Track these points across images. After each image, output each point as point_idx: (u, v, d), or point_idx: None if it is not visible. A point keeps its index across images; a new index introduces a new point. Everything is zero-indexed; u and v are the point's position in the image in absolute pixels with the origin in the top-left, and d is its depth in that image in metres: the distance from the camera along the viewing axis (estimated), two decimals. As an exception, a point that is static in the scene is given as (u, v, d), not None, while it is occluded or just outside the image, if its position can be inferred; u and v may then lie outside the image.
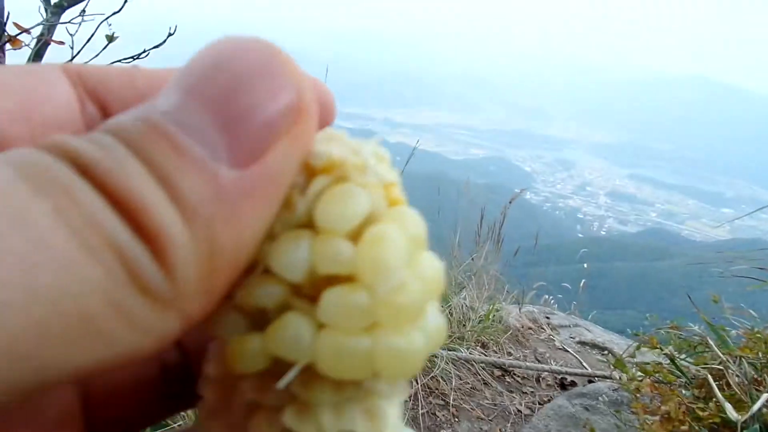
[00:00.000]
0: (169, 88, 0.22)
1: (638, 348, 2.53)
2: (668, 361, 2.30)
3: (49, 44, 2.16)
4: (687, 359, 2.36)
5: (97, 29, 2.21)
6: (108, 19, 2.26)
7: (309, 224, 0.24)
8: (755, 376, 1.92)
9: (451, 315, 3.35)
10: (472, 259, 4.12)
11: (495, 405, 2.86)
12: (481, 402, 2.86)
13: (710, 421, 1.75)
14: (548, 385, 3.12)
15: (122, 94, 0.29)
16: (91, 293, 0.17)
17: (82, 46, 2.19)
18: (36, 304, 0.16)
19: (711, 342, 2.22)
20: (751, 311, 2.51)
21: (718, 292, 2.48)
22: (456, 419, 2.72)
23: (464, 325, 3.38)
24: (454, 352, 3.05)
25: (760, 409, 1.65)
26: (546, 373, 3.18)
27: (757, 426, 1.62)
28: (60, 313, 0.16)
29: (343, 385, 0.25)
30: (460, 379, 2.97)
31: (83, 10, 2.24)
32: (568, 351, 3.51)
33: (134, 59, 2.27)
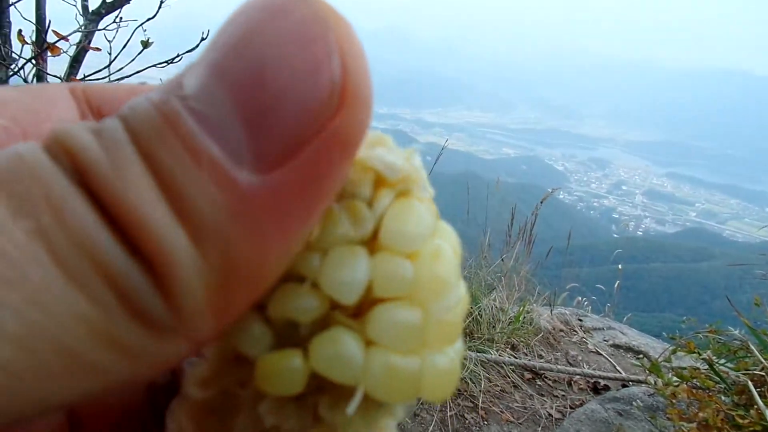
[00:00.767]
0: (198, 62, 0.18)
1: (675, 352, 2.46)
2: (706, 366, 2.23)
3: (87, 50, 2.24)
4: (726, 364, 2.28)
5: (132, 35, 2.27)
6: (143, 25, 2.32)
7: (366, 240, 0.22)
8: (799, 384, 1.85)
9: (481, 316, 3.32)
10: (502, 259, 4.07)
11: (525, 408, 2.82)
12: (510, 405, 2.83)
13: (750, 429, 1.69)
14: (580, 388, 3.06)
15: None
16: (75, 328, 0.15)
17: (118, 51, 2.26)
18: (4, 343, 0.14)
19: (752, 347, 2.14)
20: (795, 315, 2.41)
21: (760, 295, 2.39)
22: (485, 422, 2.69)
23: (494, 326, 3.34)
24: (484, 354, 3.02)
25: (804, 418, 1.58)
26: (578, 376, 3.12)
27: (800, 436, 1.55)
28: (33, 352, 0.14)
29: (370, 406, 0.23)
30: (490, 381, 2.94)
31: (120, 17, 2.31)
32: (601, 354, 3.44)
33: (168, 63, 2.33)
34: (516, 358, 3.17)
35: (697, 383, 2.13)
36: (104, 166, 0.16)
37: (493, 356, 3.04)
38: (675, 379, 2.23)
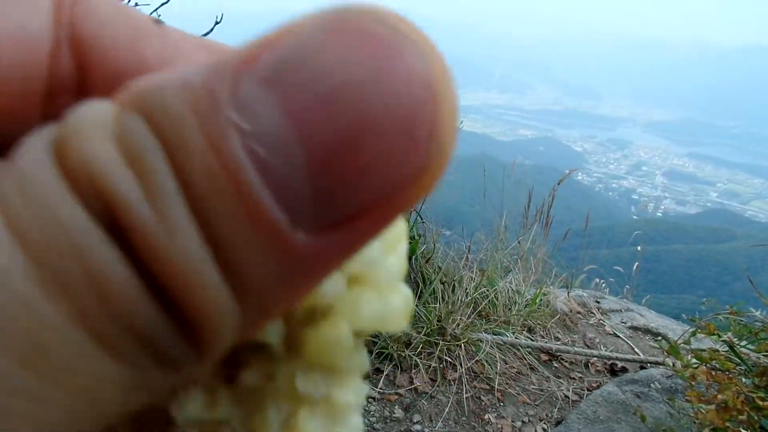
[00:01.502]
0: (262, 75, 0.15)
1: (695, 334, 2.43)
2: (726, 348, 2.20)
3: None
4: (747, 346, 2.25)
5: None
6: (157, 10, 2.32)
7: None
8: (823, 366, 1.81)
9: (497, 299, 3.31)
10: (519, 242, 4.04)
11: (541, 390, 2.82)
12: (527, 387, 2.83)
13: (771, 411, 1.66)
14: (597, 371, 3.05)
15: (126, 61, 0.21)
16: (108, 389, 0.15)
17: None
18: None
19: (774, 328, 2.10)
20: (819, 296, 2.36)
21: (783, 276, 2.34)
22: (501, 404, 2.70)
23: (510, 309, 3.33)
24: (500, 337, 3.02)
25: (827, 401, 1.55)
26: (595, 358, 3.10)
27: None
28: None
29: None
30: (506, 363, 2.94)
31: (136, 3, 2.31)
32: (618, 336, 3.41)
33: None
34: (532, 340, 3.17)
35: (717, 365, 2.10)
36: (153, 228, 0.14)
37: (509, 338, 3.04)
38: (694, 360, 2.21)
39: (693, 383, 2.12)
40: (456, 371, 2.79)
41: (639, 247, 5.82)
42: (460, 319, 2.96)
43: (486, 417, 2.61)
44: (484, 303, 3.20)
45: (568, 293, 3.78)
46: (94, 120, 0.15)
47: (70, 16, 0.20)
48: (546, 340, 3.21)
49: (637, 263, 5.17)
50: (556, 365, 3.04)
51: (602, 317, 3.63)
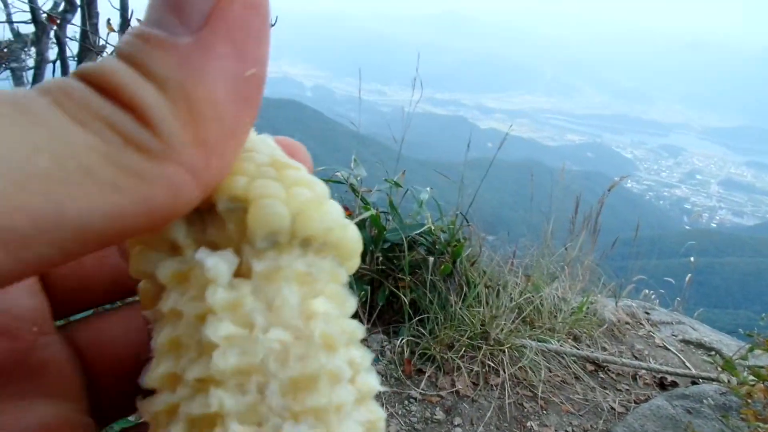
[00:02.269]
0: None
1: (752, 350, 2.34)
2: (787, 366, 2.10)
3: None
4: (810, 365, 2.14)
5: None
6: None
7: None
8: None
9: (542, 305, 3.26)
10: (566, 248, 3.97)
11: (586, 400, 2.76)
12: (571, 396, 2.78)
13: (836, 434, 1.58)
14: (645, 383, 2.96)
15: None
16: (88, 153, 0.20)
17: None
18: (36, 155, 0.19)
19: (840, 348, 1.99)
20: None
21: None
22: (544, 411, 2.66)
23: (555, 316, 3.27)
24: (544, 344, 2.97)
25: None
26: (644, 371, 3.01)
27: None
28: (59, 163, 0.19)
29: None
30: (550, 371, 2.89)
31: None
32: (669, 349, 3.30)
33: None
34: (578, 349, 3.11)
35: (776, 383, 2.02)
36: (97, 68, 0.22)
37: (554, 346, 2.99)
38: (751, 378, 2.12)
39: (749, 401, 2.03)
40: (498, 376, 2.77)
41: (692, 258, 5.61)
42: (504, 323, 2.94)
43: (528, 424, 2.58)
44: (528, 309, 3.16)
45: (617, 303, 3.69)
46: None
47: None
48: (592, 350, 3.14)
49: (689, 275, 4.98)
50: (602, 376, 2.97)
51: (652, 329, 3.52)
